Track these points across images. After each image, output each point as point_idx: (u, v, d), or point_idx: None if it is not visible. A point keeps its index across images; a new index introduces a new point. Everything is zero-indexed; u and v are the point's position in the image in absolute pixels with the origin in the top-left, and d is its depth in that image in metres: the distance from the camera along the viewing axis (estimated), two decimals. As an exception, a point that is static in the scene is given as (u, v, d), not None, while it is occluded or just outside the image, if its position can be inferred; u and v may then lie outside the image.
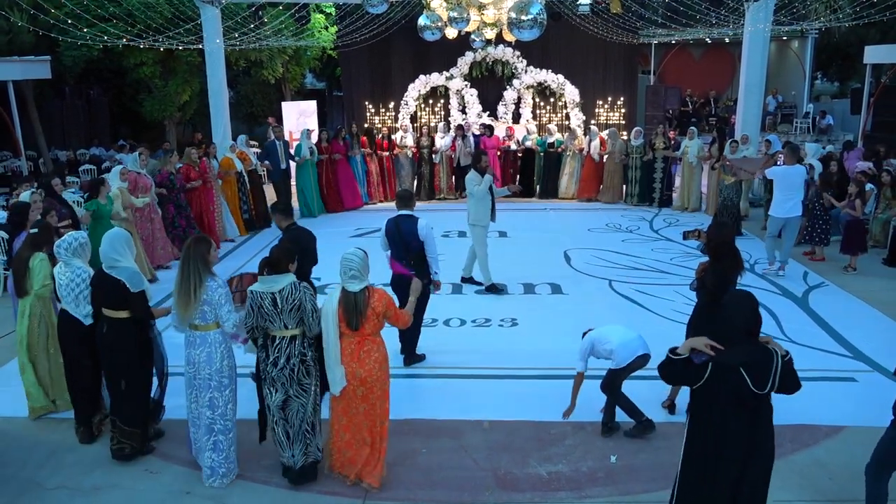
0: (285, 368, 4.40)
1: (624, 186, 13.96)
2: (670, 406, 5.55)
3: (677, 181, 13.63)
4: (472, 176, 8.26)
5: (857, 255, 9.26)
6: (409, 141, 14.44)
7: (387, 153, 14.28)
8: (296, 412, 4.50)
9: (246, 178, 12.04)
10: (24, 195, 7.99)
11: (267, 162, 12.56)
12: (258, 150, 15.04)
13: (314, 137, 13.88)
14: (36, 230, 5.62)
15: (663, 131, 13.64)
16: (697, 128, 14.83)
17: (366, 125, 15.54)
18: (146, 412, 4.98)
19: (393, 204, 14.20)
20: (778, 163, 9.57)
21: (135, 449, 4.91)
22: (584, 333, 5.31)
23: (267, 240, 11.28)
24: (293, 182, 13.32)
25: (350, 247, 4.53)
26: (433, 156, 14.50)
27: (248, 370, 5.03)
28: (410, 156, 14.39)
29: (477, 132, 14.86)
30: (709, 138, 12.68)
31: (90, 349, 4.98)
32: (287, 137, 15.16)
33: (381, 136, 14.46)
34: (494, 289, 8.45)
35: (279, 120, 18.38)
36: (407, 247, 6.23)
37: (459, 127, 14.75)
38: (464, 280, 8.75)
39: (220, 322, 4.48)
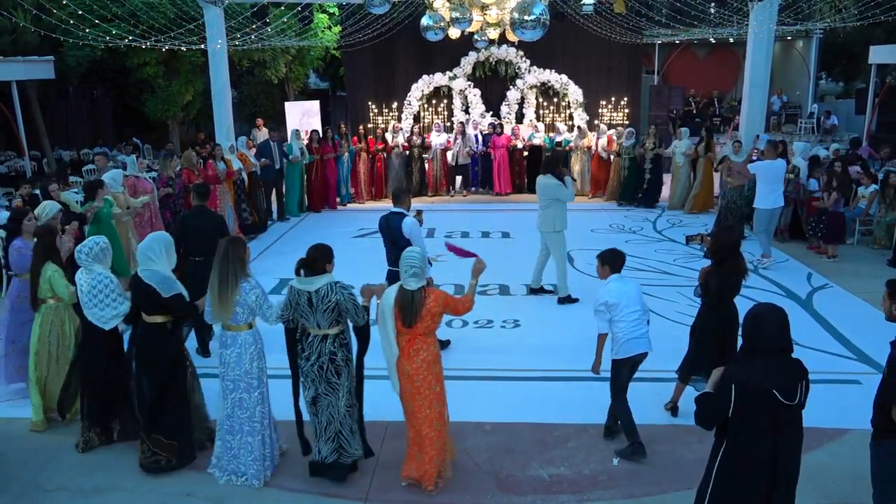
0: (314, 365, 4.46)
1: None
2: (673, 408, 5.52)
3: (666, 180, 13.69)
4: (549, 181, 7.83)
5: (831, 245, 9.86)
6: (400, 140, 14.45)
7: (381, 151, 14.30)
8: (325, 409, 4.53)
9: (245, 180, 11.83)
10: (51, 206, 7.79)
11: (264, 159, 12.38)
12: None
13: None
14: (36, 238, 5.48)
15: (654, 132, 13.67)
16: (703, 128, 14.83)
17: (360, 126, 15.40)
18: (185, 422, 4.87)
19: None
20: (753, 158, 10.21)
21: (170, 462, 4.78)
22: (603, 258, 5.01)
23: (266, 243, 11.24)
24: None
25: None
26: (424, 154, 14.50)
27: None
28: (402, 154, 14.42)
29: (485, 131, 14.86)
30: (720, 137, 12.75)
31: (113, 355, 5.00)
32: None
33: (372, 135, 14.47)
34: (570, 299, 8.11)
35: (283, 120, 18.40)
36: (395, 243, 6.28)
37: (461, 124, 14.76)
38: (533, 291, 8.39)
39: (262, 319, 4.54)
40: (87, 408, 5.12)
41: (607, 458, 4.90)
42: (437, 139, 14.60)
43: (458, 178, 15.19)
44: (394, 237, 6.29)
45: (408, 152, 14.62)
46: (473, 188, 15.12)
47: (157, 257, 4.66)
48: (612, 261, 4.98)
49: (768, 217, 9.30)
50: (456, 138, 14.66)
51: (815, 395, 5.72)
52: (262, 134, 15.51)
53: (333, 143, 13.62)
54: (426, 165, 14.81)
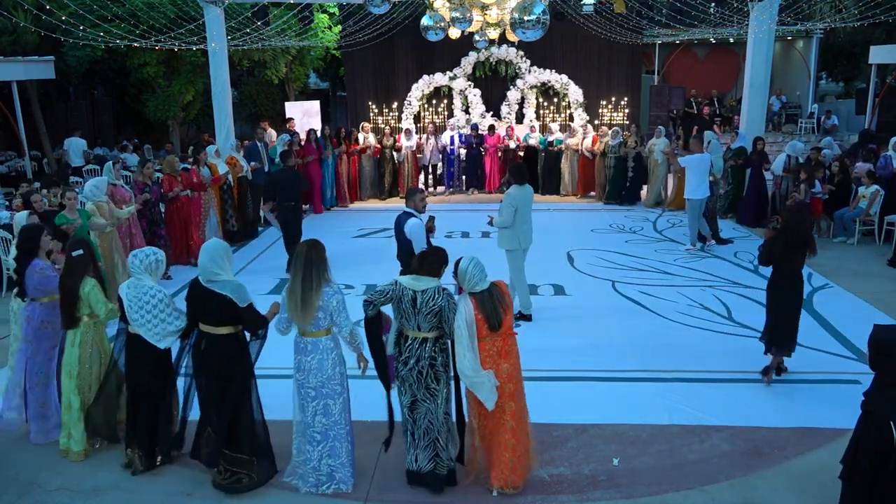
0: (413, 370, 4.35)
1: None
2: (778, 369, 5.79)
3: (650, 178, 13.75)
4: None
5: None
6: (372, 141, 14.33)
7: (355, 153, 14.18)
8: (423, 416, 4.41)
9: (232, 185, 11.16)
10: (20, 217, 7.45)
11: (254, 163, 11.84)
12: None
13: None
14: (80, 252, 4.95)
15: (635, 130, 13.75)
16: (679, 128, 14.97)
17: (340, 126, 15.12)
18: (263, 437, 4.65)
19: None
20: (676, 151, 11.50)
21: (252, 480, 4.54)
22: None
23: (266, 243, 11.20)
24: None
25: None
26: (395, 154, 14.37)
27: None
28: (371, 156, 14.32)
29: (465, 132, 14.69)
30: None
31: (160, 374, 4.70)
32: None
33: (351, 137, 14.29)
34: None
35: (283, 120, 18.41)
36: (399, 241, 6.40)
37: (431, 125, 14.76)
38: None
39: (336, 328, 4.38)
40: (132, 430, 4.80)
41: (607, 458, 4.89)
42: (406, 142, 14.44)
43: (430, 178, 15.03)
44: (397, 235, 6.40)
45: (377, 153, 14.42)
46: (449, 187, 14.90)
47: (222, 269, 4.41)
48: None
49: (699, 206, 10.00)
50: (428, 139, 14.60)
51: (816, 395, 5.75)
52: (271, 135, 15.25)
53: (317, 144, 13.23)
54: (397, 167, 14.57)
